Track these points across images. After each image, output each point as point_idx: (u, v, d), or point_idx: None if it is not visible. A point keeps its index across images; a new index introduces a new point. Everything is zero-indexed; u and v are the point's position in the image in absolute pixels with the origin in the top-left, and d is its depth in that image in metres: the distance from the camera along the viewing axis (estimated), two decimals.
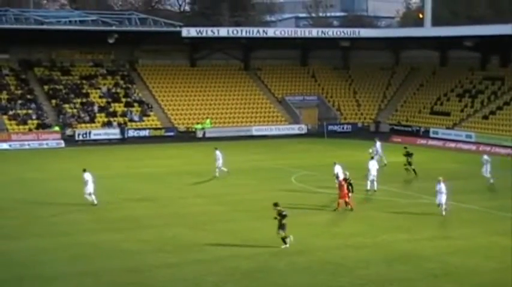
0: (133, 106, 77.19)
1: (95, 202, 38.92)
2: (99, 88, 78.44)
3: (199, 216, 37.04)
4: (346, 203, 37.86)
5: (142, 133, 73.77)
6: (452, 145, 68.68)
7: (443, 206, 36.50)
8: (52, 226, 34.89)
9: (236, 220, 36.27)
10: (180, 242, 31.60)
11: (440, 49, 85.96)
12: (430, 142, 70.96)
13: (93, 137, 71.33)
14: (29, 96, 74.75)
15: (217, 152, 49.35)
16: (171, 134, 74.66)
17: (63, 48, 79.90)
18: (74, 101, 75.80)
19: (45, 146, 67.45)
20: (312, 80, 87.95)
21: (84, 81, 78.59)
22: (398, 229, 34.50)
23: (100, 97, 77.41)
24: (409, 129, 77.26)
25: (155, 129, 74.85)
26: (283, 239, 30.36)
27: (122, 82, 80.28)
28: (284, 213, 30.41)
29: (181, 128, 76.45)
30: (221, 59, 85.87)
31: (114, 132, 72.64)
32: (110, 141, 70.79)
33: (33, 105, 73.67)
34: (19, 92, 75.08)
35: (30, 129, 70.37)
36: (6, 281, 26.44)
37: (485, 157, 48.03)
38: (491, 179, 46.46)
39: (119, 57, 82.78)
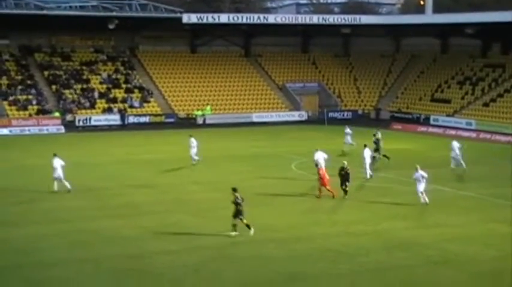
0: (133, 92, 77.15)
1: (68, 186, 38.49)
2: (100, 74, 78.37)
3: (199, 203, 37.06)
4: (320, 190, 37.92)
5: (143, 119, 73.79)
6: (453, 132, 68.61)
7: (423, 194, 36.04)
8: (52, 213, 34.89)
9: None
10: (181, 228, 31.61)
11: (441, 36, 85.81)
12: (431, 129, 71.00)
13: (93, 123, 71.36)
14: (29, 82, 74.70)
15: (192, 140, 48.77)
16: (172, 120, 74.68)
17: (64, 34, 79.81)
18: (74, 87, 75.77)
19: (45, 132, 67.53)
20: (312, 67, 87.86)
21: (84, 67, 78.52)
22: (398, 216, 34.53)
23: (100, 83, 77.35)
24: (410, 116, 77.27)
25: (155, 115, 74.85)
26: (234, 226, 29.98)
27: (122, 68, 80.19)
28: (238, 200, 30.01)
29: (182, 114, 76.43)
30: (222, 45, 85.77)
31: (114, 119, 72.67)
32: (110, 128, 70.82)
33: (33, 91, 73.64)
34: (19, 77, 75.03)
35: (30, 115, 70.40)
36: (5, 267, 26.46)
37: (455, 142, 47.71)
38: (454, 163, 46.63)
39: (119, 43, 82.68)
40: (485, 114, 72.13)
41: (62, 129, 68.64)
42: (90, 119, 71.59)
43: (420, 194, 36.05)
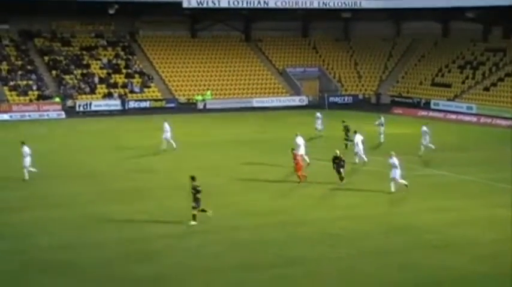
0: (133, 77, 77.04)
1: (34, 170, 38.57)
2: (100, 59, 78.23)
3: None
4: (299, 177, 38.04)
5: (143, 104, 73.68)
6: (453, 116, 68.66)
7: (402, 181, 35.65)
8: (53, 198, 34.99)
9: (236, 192, 36.38)
10: (181, 213, 31.62)
11: (442, 20, 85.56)
12: (431, 114, 70.89)
13: (93, 108, 71.22)
14: (29, 67, 74.57)
15: (166, 124, 48.45)
16: (172, 105, 74.55)
17: (64, 19, 79.54)
18: (75, 72, 75.66)
19: (45, 117, 67.47)
20: (313, 52, 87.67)
21: (84, 52, 78.37)
22: (397, 200, 34.60)
23: (100, 68, 77.23)
24: (410, 101, 77.17)
25: (156, 100, 74.74)
26: (194, 216, 29.74)
27: (122, 53, 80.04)
28: (198, 188, 29.75)
29: (182, 99, 76.32)
30: (222, 30, 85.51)
31: (114, 104, 72.57)
32: (110, 113, 70.73)
33: (33, 76, 73.53)
34: (19, 62, 74.89)
35: (30, 100, 70.32)
36: (7, 252, 26.58)
37: (424, 128, 47.35)
38: (432, 146, 46.47)
39: (119, 28, 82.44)
40: (485, 98, 72.05)
41: (63, 114, 68.57)
42: (90, 104, 71.49)
43: (392, 182, 35.52)
